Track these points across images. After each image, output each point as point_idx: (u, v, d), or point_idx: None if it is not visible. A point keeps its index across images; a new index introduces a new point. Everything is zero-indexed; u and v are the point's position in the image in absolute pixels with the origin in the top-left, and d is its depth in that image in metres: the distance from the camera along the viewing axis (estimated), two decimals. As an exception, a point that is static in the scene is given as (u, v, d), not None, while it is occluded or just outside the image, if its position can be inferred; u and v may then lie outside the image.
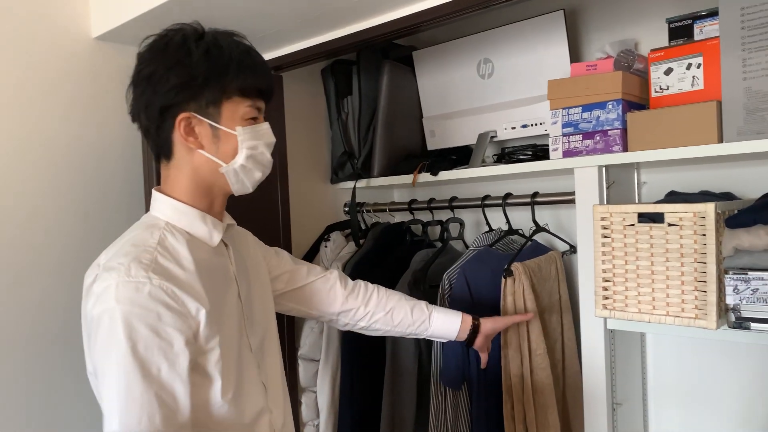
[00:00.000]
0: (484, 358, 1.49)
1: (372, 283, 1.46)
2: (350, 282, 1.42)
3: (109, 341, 0.93)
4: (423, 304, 1.43)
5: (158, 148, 1.09)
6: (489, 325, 1.45)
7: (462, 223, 1.92)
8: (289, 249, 1.88)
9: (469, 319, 1.43)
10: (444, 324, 1.43)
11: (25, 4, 1.55)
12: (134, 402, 0.91)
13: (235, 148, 1.06)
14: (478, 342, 1.45)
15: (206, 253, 1.07)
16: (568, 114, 1.55)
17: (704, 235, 1.28)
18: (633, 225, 1.38)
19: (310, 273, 1.39)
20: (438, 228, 1.92)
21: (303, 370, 1.85)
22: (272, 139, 1.12)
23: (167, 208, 1.07)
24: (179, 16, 1.46)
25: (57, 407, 1.61)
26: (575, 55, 1.80)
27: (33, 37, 1.56)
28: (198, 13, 1.46)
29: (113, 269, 0.95)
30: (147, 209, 1.63)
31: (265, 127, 1.10)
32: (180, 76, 1.02)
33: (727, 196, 1.49)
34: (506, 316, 1.54)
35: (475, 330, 1.43)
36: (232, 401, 1.04)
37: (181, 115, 1.03)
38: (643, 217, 1.38)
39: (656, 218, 1.36)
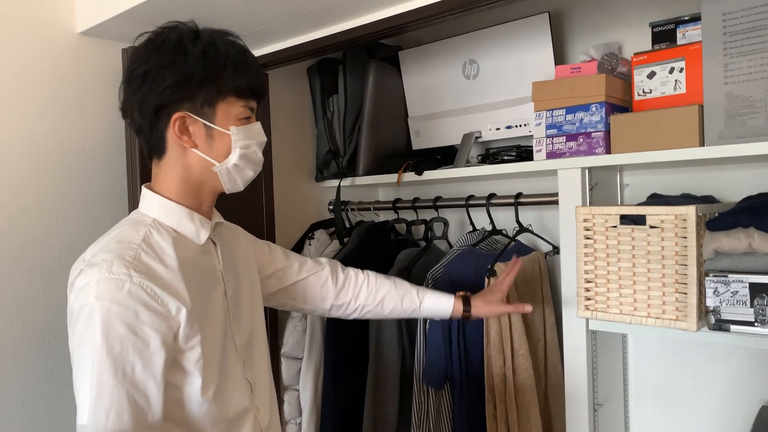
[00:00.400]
0: (500, 310, 1.43)
1: None
2: (341, 275, 1.42)
3: (86, 336, 0.93)
4: (414, 291, 1.43)
5: (150, 146, 1.09)
6: (482, 310, 1.42)
7: (446, 223, 1.92)
8: (273, 247, 1.87)
9: (459, 305, 1.41)
10: (434, 310, 1.43)
11: (9, 2, 1.52)
12: (104, 398, 0.91)
13: (229, 147, 1.07)
14: (479, 313, 1.42)
15: (192, 251, 1.07)
16: (552, 116, 1.56)
17: (685, 237, 1.29)
18: (615, 227, 1.39)
19: (302, 269, 1.38)
20: (422, 227, 1.92)
21: (286, 368, 1.85)
22: (264, 139, 1.13)
23: (155, 206, 1.07)
24: (165, 12, 1.46)
25: (45, 406, 1.59)
26: (560, 58, 1.81)
27: (16, 31, 1.54)
28: (184, 10, 1.45)
29: (96, 265, 0.95)
30: (129, 206, 1.65)
31: (258, 126, 1.12)
32: (176, 76, 1.02)
33: (708, 199, 1.51)
34: (500, 303, 1.43)
35: (466, 310, 1.42)
36: (213, 399, 1.03)
37: (176, 115, 1.03)
38: (625, 219, 1.39)
39: (638, 220, 1.37)
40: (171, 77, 1.01)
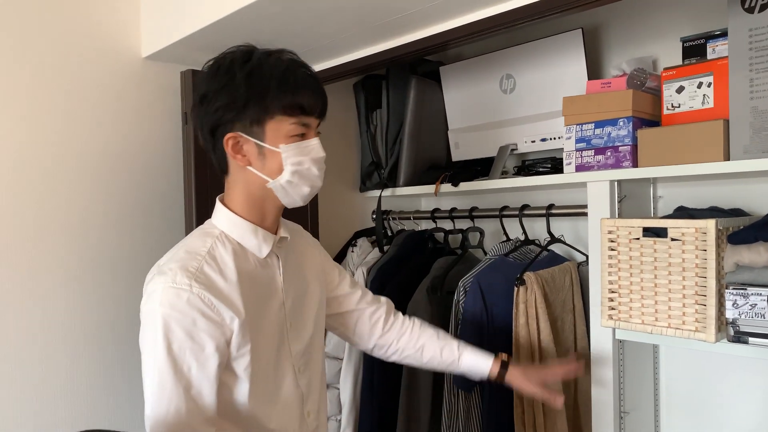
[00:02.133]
0: (534, 391, 1.40)
1: (394, 286, 1.53)
2: (392, 317, 1.45)
3: (150, 337, 1.04)
4: (455, 345, 1.42)
5: (218, 163, 1.17)
6: (516, 381, 1.40)
7: (482, 232, 1.99)
8: (317, 253, 1.99)
9: (497, 368, 1.40)
10: (472, 367, 1.42)
11: (84, 28, 1.72)
12: (164, 394, 1.02)
13: (280, 164, 1.11)
14: (512, 383, 1.41)
15: (253, 264, 1.14)
16: (581, 130, 1.60)
17: (705, 250, 1.31)
18: (638, 239, 1.42)
19: (362, 299, 1.42)
20: (459, 236, 2.00)
21: (327, 367, 1.96)
22: (320, 155, 1.14)
23: (224, 219, 1.15)
24: (222, 37, 1.61)
25: (113, 395, 1.77)
26: (596, 71, 1.85)
27: (91, 56, 1.73)
28: (239, 33, 1.61)
29: (164, 274, 1.05)
30: (186, 215, 1.80)
31: (313, 143, 1.13)
32: (224, 98, 1.09)
33: (736, 212, 1.51)
34: (537, 385, 1.40)
35: (501, 374, 1.40)
36: (263, 403, 1.12)
37: (228, 135, 1.10)
38: (648, 232, 1.42)
39: (660, 233, 1.40)
40: (221, 100, 1.09)
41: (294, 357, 1.20)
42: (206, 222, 1.20)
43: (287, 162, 1.11)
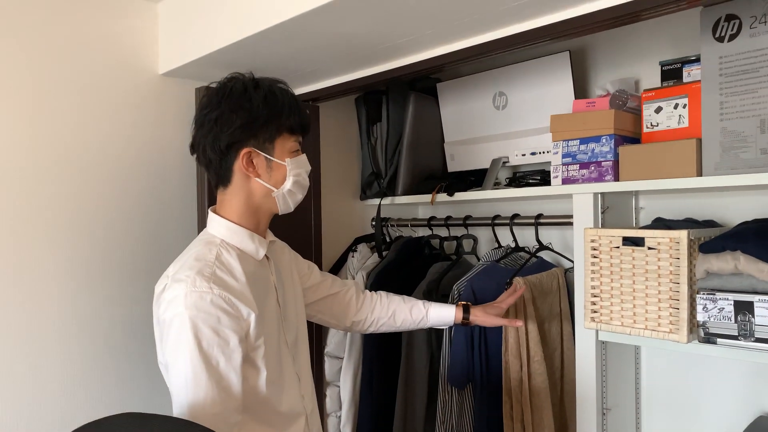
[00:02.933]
0: (495, 322, 1.63)
1: (392, 290, 1.68)
2: (361, 295, 1.64)
3: (179, 339, 1.14)
4: (420, 303, 1.64)
5: (219, 177, 1.30)
6: (480, 319, 1.62)
7: (475, 239, 2.11)
8: (319, 258, 2.11)
9: (460, 312, 1.62)
10: (439, 319, 1.63)
11: (106, 46, 1.84)
12: (200, 387, 1.12)
13: (285, 176, 1.29)
14: (476, 321, 1.63)
15: (253, 265, 1.28)
16: (568, 146, 1.73)
17: (678, 258, 1.44)
18: (618, 247, 1.55)
19: (333, 285, 1.60)
20: (454, 243, 2.12)
21: (328, 366, 2.08)
22: (309, 167, 1.36)
23: (222, 228, 1.29)
24: (234, 57, 1.74)
25: (129, 382, 1.89)
26: (583, 90, 1.98)
27: (110, 72, 1.85)
28: (249, 56, 1.74)
29: (181, 281, 1.16)
30: (198, 223, 1.92)
31: (304, 157, 1.34)
32: (243, 118, 1.24)
33: (709, 224, 1.63)
34: (496, 317, 1.63)
35: (465, 318, 1.62)
36: (275, 389, 1.25)
37: (244, 150, 1.25)
38: (628, 241, 1.54)
39: (638, 242, 1.52)
40: (239, 119, 1.24)
41: (290, 346, 1.34)
42: (203, 232, 1.33)
43: (291, 174, 1.30)
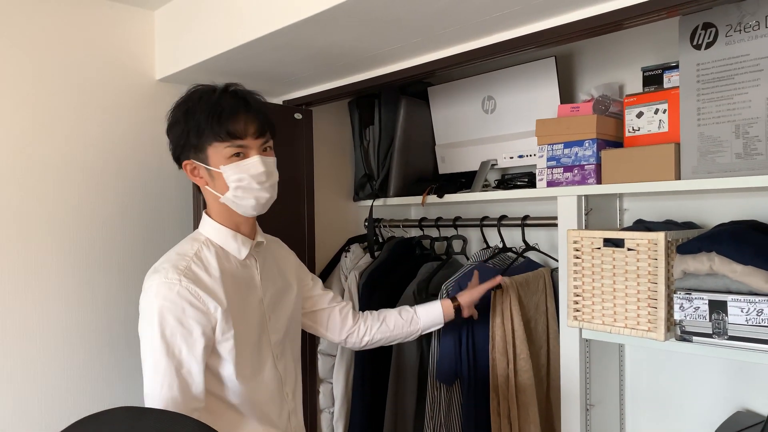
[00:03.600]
0: (474, 314, 1.74)
1: (384, 289, 1.78)
2: (356, 312, 1.69)
3: (146, 326, 1.23)
4: (408, 306, 1.72)
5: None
6: (466, 299, 1.71)
7: (465, 240, 2.16)
8: (313, 257, 2.17)
9: (448, 302, 1.70)
10: (429, 314, 1.69)
11: (103, 53, 1.89)
12: (159, 373, 1.20)
13: (224, 182, 1.29)
14: (465, 312, 1.72)
15: (234, 264, 1.35)
16: (552, 149, 1.78)
17: (656, 259, 1.49)
18: (599, 248, 1.60)
19: (333, 300, 1.66)
20: (445, 243, 2.17)
21: (321, 363, 2.13)
22: (259, 170, 1.28)
23: (209, 227, 1.37)
24: (227, 64, 1.80)
25: (125, 376, 1.94)
26: (569, 94, 2.03)
27: (108, 78, 1.90)
28: (241, 63, 1.79)
29: (158, 272, 1.25)
30: (195, 224, 1.97)
31: (252, 161, 1.28)
32: (175, 133, 1.32)
33: (689, 225, 1.69)
34: (478, 286, 1.74)
35: (458, 309, 1.70)
36: (247, 382, 1.31)
37: (185, 162, 1.33)
38: (609, 242, 1.59)
39: (619, 243, 1.57)
40: (173, 134, 1.33)
41: (273, 345, 1.40)
42: (194, 231, 1.42)
43: (229, 180, 1.28)
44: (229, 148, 1.27)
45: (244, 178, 1.28)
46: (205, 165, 1.30)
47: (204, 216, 1.39)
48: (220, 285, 1.28)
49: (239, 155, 1.28)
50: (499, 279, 1.74)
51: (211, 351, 1.26)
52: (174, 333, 1.21)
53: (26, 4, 1.74)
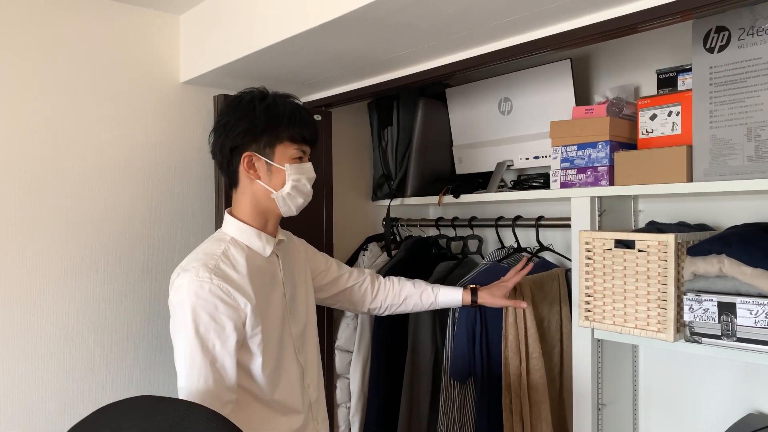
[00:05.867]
0: (501, 303, 1.73)
1: None
2: (376, 283, 1.78)
3: (180, 322, 1.28)
4: (430, 288, 1.76)
5: (229, 178, 1.46)
6: (487, 301, 1.73)
7: (481, 240, 2.19)
8: (331, 256, 2.21)
9: (468, 296, 1.74)
10: (447, 300, 1.76)
11: (131, 57, 1.97)
12: (194, 367, 1.26)
13: (284, 180, 1.40)
14: (483, 302, 1.74)
15: (260, 261, 1.41)
16: (566, 151, 1.80)
17: (666, 261, 1.50)
18: (611, 249, 1.62)
19: (350, 278, 1.75)
20: (461, 243, 2.20)
21: (338, 359, 2.18)
22: (313, 175, 1.45)
23: (233, 227, 1.43)
24: (249, 67, 1.86)
25: (149, 369, 2.02)
26: (585, 96, 2.04)
27: (134, 81, 1.98)
28: (265, 66, 1.85)
29: (188, 270, 1.31)
30: (217, 224, 2.04)
31: (308, 165, 1.44)
32: (245, 125, 1.39)
33: (701, 227, 1.69)
34: (503, 297, 1.72)
35: (473, 300, 1.74)
36: (272, 374, 1.37)
37: (245, 154, 1.39)
38: (620, 243, 1.61)
39: (630, 244, 1.58)
40: (242, 126, 1.39)
41: (294, 338, 1.46)
42: (217, 231, 1.48)
43: (289, 178, 1.41)
44: (296, 150, 1.41)
45: (302, 179, 1.41)
46: (268, 160, 1.39)
47: (227, 216, 1.45)
48: (248, 282, 1.34)
49: (300, 159, 1.42)
50: (521, 305, 1.72)
51: (241, 346, 1.32)
52: (208, 329, 1.27)
53: (56, 11, 1.82)
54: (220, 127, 1.42)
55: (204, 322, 1.27)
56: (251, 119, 1.38)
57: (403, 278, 1.79)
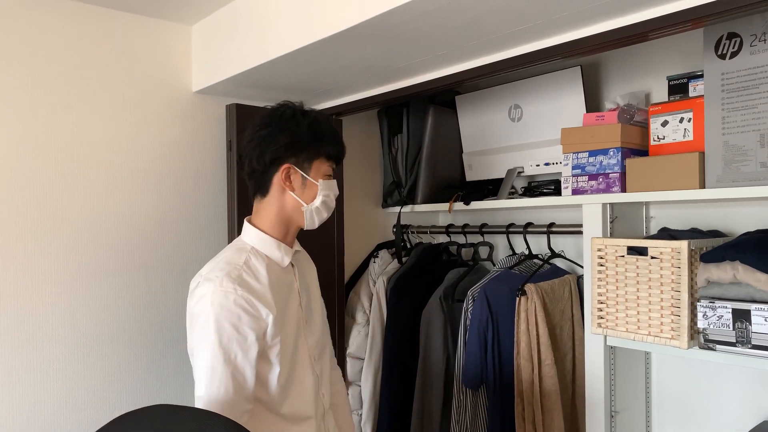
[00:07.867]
0: None
1: (411, 295, 1.82)
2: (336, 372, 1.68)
3: (203, 332, 1.28)
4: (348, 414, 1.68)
5: (259, 186, 1.45)
6: None
7: (492, 247, 2.19)
8: (342, 263, 2.23)
9: None
10: None
11: (146, 66, 1.99)
12: (216, 377, 1.26)
13: (315, 194, 1.42)
14: None
15: (278, 271, 1.42)
16: (577, 158, 1.80)
17: (679, 267, 1.50)
18: (623, 256, 1.61)
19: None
20: (471, 250, 2.20)
21: (350, 366, 2.19)
22: (338, 192, 1.49)
23: (253, 237, 1.43)
24: (260, 77, 1.87)
25: (162, 377, 2.03)
26: (595, 103, 2.04)
27: (148, 91, 2.00)
28: (277, 75, 1.86)
29: (211, 280, 1.30)
30: (229, 230, 2.05)
31: (335, 182, 1.48)
32: (288, 138, 1.39)
33: (714, 234, 1.69)
34: None
35: None
36: (287, 383, 1.37)
37: (284, 165, 1.40)
38: (632, 250, 1.61)
39: (642, 251, 1.58)
40: (285, 139, 1.39)
41: (310, 347, 1.46)
42: (236, 240, 1.47)
43: (321, 193, 1.43)
44: (329, 168, 1.45)
45: (330, 195, 1.45)
46: (305, 174, 1.41)
47: (247, 225, 1.45)
48: (269, 292, 1.34)
49: (330, 176, 1.45)
50: None
51: (260, 356, 1.32)
52: (231, 339, 1.27)
53: (71, 23, 1.85)
54: (258, 138, 1.42)
55: (227, 333, 1.27)
56: (294, 133, 1.39)
57: (347, 406, 1.70)
